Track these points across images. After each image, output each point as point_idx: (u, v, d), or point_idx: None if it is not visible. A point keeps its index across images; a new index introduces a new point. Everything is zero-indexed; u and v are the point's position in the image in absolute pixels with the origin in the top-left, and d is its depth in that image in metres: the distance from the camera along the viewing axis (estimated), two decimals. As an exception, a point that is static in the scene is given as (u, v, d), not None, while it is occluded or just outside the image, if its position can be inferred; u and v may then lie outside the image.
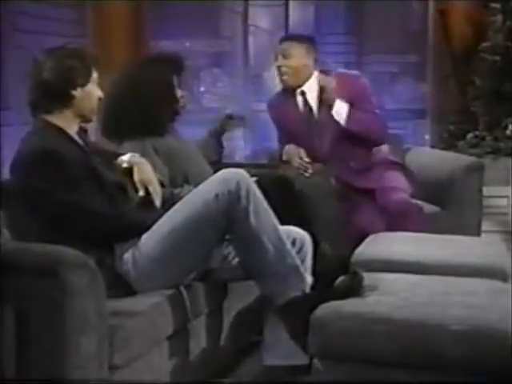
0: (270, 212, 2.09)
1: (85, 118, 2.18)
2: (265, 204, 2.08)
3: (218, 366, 2.30)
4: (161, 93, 2.61)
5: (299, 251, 2.21)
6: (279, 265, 2.06)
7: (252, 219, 2.03)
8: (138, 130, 2.55)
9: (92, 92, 2.16)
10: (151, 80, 2.62)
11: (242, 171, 2.11)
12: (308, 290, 2.10)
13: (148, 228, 2.09)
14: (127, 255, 2.06)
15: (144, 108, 2.58)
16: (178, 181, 2.53)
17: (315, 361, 1.95)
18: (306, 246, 2.25)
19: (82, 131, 2.23)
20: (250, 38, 5.33)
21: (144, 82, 2.62)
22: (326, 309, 1.95)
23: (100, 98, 2.20)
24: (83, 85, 2.13)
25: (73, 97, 2.12)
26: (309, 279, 2.13)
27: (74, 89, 2.12)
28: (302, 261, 2.19)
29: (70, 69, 2.11)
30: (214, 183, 2.08)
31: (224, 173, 2.11)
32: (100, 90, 2.20)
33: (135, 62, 3.05)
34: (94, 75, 2.17)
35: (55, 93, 2.11)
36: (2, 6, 3.57)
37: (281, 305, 2.06)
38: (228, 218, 2.04)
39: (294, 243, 2.21)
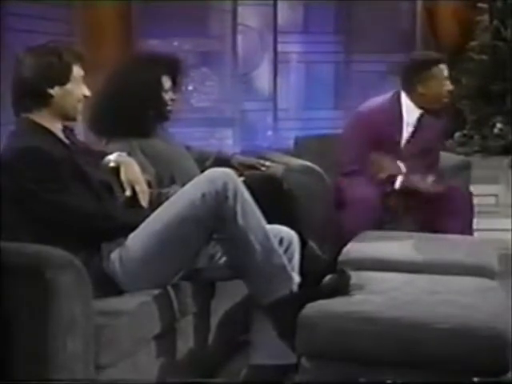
0: (258, 212, 2.09)
1: (67, 117, 2.14)
2: (252, 204, 2.08)
3: (205, 366, 2.29)
4: (145, 93, 2.58)
5: (286, 250, 2.21)
6: (266, 264, 2.05)
7: (239, 219, 2.03)
8: (123, 130, 2.53)
9: (73, 91, 2.11)
10: (137, 79, 2.59)
11: (229, 171, 2.10)
12: (295, 289, 2.10)
13: (135, 228, 2.08)
14: (114, 255, 2.06)
15: (128, 108, 2.55)
16: (164, 181, 2.52)
17: (303, 360, 1.95)
18: (294, 245, 2.25)
19: (68, 130, 2.21)
20: (239, 37, 5.33)
21: (130, 80, 2.59)
22: (313, 308, 1.95)
23: (86, 97, 2.15)
24: (63, 83, 2.09)
25: (50, 95, 2.08)
26: (296, 278, 2.13)
27: (51, 87, 2.08)
28: (290, 260, 2.18)
29: (47, 67, 2.07)
30: (201, 183, 2.07)
31: (211, 172, 2.10)
32: (87, 88, 2.16)
33: (126, 59, 3.03)
34: (77, 73, 2.12)
35: (32, 91, 2.08)
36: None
37: (268, 304, 2.06)
38: (215, 218, 2.03)
39: (281, 242, 2.21)
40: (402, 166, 3.21)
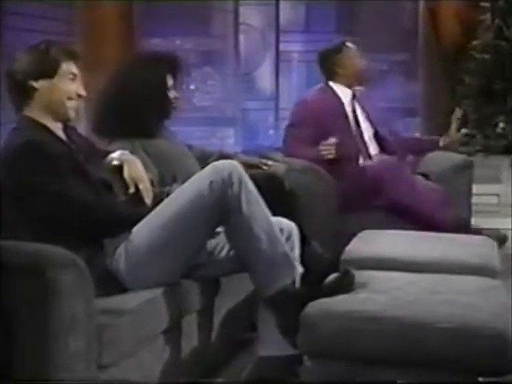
0: (262, 202, 2.11)
1: (57, 114, 2.14)
2: (256, 194, 2.10)
3: (209, 364, 2.29)
4: (151, 92, 2.58)
5: (287, 241, 2.23)
6: (270, 253, 2.07)
7: (244, 207, 2.05)
8: (127, 130, 2.53)
9: (60, 86, 2.12)
10: (142, 79, 2.59)
11: (234, 162, 2.13)
12: (298, 278, 2.12)
13: (136, 223, 2.09)
14: (119, 250, 2.06)
15: (134, 108, 2.55)
16: (166, 180, 2.52)
17: (305, 359, 1.94)
18: (294, 236, 2.28)
19: (70, 128, 2.21)
20: (241, 37, 5.33)
21: (135, 80, 2.59)
22: (315, 307, 1.95)
23: (80, 96, 2.16)
24: (48, 77, 2.10)
25: (33, 88, 2.10)
26: (299, 268, 2.14)
27: (35, 80, 2.09)
28: (290, 250, 2.20)
29: (32, 61, 2.10)
30: (208, 172, 2.10)
31: (217, 163, 2.13)
32: (82, 87, 2.16)
33: (129, 59, 3.03)
34: (66, 69, 2.13)
35: (16, 83, 2.10)
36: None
37: (271, 296, 2.07)
38: (221, 206, 2.05)
39: (281, 233, 2.21)
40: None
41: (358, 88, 3.57)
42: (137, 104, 2.56)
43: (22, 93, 2.11)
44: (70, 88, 2.13)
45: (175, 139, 2.75)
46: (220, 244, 2.21)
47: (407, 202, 3.22)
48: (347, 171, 3.32)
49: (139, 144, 2.53)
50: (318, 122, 3.42)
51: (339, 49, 3.58)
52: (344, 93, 3.53)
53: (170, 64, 2.68)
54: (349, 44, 3.60)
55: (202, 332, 2.24)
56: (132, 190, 2.20)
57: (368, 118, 3.55)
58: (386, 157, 3.46)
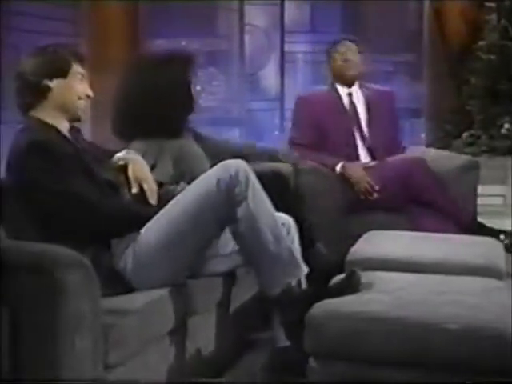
0: (267, 199, 2.13)
1: (69, 114, 2.16)
2: (262, 192, 2.13)
3: (215, 365, 2.29)
4: (182, 93, 2.61)
5: (287, 234, 2.25)
6: (275, 250, 2.09)
7: (250, 204, 2.07)
8: (151, 130, 2.54)
9: (71, 85, 2.15)
10: (173, 80, 2.60)
11: (241, 161, 2.15)
12: (303, 277, 2.13)
13: (140, 222, 2.10)
14: (127, 250, 2.07)
15: (159, 107, 2.55)
16: (185, 180, 2.53)
17: (310, 360, 1.95)
18: (293, 230, 2.31)
19: (75, 130, 2.23)
20: (246, 37, 5.34)
21: (160, 80, 2.59)
22: (321, 308, 1.95)
23: (89, 97, 2.18)
24: (61, 76, 2.13)
25: (48, 87, 2.12)
26: (304, 268, 2.15)
27: (49, 79, 2.12)
28: (291, 243, 2.21)
29: (44, 61, 2.13)
30: (215, 170, 2.13)
31: (225, 162, 2.15)
32: (91, 88, 2.18)
33: (146, 59, 3.02)
34: (76, 70, 2.16)
35: (30, 83, 2.12)
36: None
37: (276, 295, 2.08)
38: (228, 204, 2.07)
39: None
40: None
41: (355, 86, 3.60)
42: (163, 103, 2.56)
43: (35, 93, 2.12)
44: (80, 88, 2.16)
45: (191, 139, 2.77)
46: (225, 238, 2.22)
47: (435, 194, 3.25)
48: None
49: (164, 142, 2.54)
50: (317, 116, 3.49)
51: (328, 53, 3.65)
52: (343, 90, 3.59)
53: (189, 62, 2.70)
54: (337, 45, 3.62)
55: (207, 332, 2.24)
56: (135, 189, 2.21)
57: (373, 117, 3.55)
58: (405, 155, 3.51)
